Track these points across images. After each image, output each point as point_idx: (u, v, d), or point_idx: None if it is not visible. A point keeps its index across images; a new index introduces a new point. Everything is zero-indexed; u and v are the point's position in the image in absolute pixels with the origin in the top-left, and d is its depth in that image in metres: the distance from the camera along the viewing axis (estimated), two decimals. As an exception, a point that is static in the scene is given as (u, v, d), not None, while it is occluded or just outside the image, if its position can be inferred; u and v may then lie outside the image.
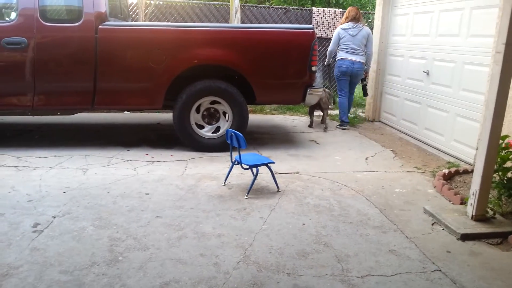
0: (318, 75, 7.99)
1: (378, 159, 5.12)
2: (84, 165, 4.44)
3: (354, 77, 6.63)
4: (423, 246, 3.04)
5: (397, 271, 2.71)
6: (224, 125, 5.14)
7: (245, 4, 8.96)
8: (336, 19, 8.80)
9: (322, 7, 12.36)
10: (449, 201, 3.86)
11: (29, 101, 4.77)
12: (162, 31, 5.03)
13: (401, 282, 2.59)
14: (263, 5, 10.44)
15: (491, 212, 3.42)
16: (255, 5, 10.02)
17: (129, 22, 6.28)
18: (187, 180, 4.13)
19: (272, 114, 7.69)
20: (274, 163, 4.09)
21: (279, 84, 5.21)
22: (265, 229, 3.19)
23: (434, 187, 4.20)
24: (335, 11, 8.97)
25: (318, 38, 7.38)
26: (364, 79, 6.85)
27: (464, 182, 4.25)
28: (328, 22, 8.84)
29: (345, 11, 7.14)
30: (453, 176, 4.42)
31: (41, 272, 2.53)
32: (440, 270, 2.74)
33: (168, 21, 8.13)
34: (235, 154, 3.92)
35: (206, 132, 5.15)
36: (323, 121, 6.76)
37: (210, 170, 4.45)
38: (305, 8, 9.56)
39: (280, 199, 3.76)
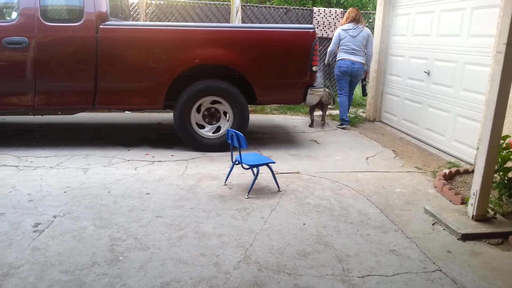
0: (319, 75, 8.01)
1: (379, 159, 5.12)
2: (85, 164, 4.44)
3: (354, 77, 6.67)
4: (424, 246, 3.04)
5: (397, 271, 2.71)
6: (225, 125, 5.14)
7: (245, 4, 8.96)
8: (337, 19, 8.80)
9: (323, 7, 12.36)
10: (450, 201, 3.86)
11: (30, 101, 4.78)
12: (163, 31, 5.03)
13: (401, 282, 2.59)
14: (264, 5, 10.44)
15: (491, 212, 3.41)
16: (255, 5, 10.02)
17: (130, 22, 6.28)
18: (187, 180, 4.13)
19: (273, 114, 7.69)
20: (274, 163, 4.09)
21: (279, 84, 5.21)
22: (266, 229, 3.19)
23: (435, 187, 4.20)
24: (336, 11, 8.97)
25: (318, 38, 7.37)
26: (364, 79, 6.91)
27: (465, 182, 4.25)
28: (329, 22, 8.84)
29: (345, 11, 7.18)
30: (454, 176, 4.42)
31: (41, 271, 2.53)
32: (440, 270, 2.74)
33: (169, 21, 8.13)
34: (235, 154, 3.92)
35: (207, 132, 5.15)
36: (322, 119, 6.83)
37: (211, 170, 4.45)
38: (306, 8, 9.56)
39: (281, 199, 3.76)
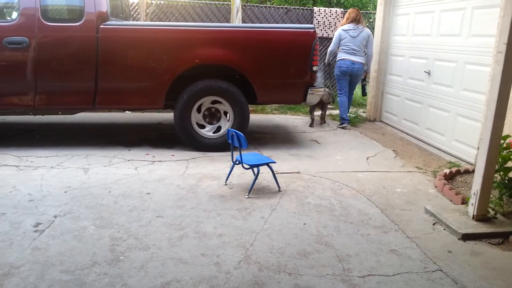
0: (319, 74, 8.02)
1: (379, 159, 5.11)
2: (85, 164, 4.44)
3: (354, 77, 6.70)
4: (424, 246, 3.04)
5: (398, 271, 2.71)
6: (225, 124, 5.14)
7: (246, 4, 8.96)
8: (337, 18, 8.80)
9: (323, 6, 12.36)
10: (450, 201, 3.86)
11: (31, 101, 4.78)
12: (163, 30, 5.03)
13: (402, 282, 2.59)
14: (264, 5, 10.44)
15: (492, 212, 3.41)
16: (256, 4, 10.02)
17: (130, 22, 6.28)
18: (188, 179, 4.13)
19: (273, 114, 7.69)
20: (275, 162, 4.09)
21: (280, 84, 5.21)
22: (266, 228, 3.19)
23: (435, 187, 4.20)
24: (336, 10, 8.96)
25: (319, 38, 7.39)
26: (364, 79, 6.93)
27: (465, 182, 4.25)
28: (329, 22, 8.83)
29: (346, 11, 7.19)
30: (454, 176, 4.41)
31: (42, 271, 2.53)
32: (441, 270, 2.74)
33: (169, 21, 8.13)
34: (236, 154, 3.92)
35: (207, 131, 5.15)
36: (322, 118, 6.90)
37: (211, 169, 4.45)
38: (306, 7, 9.56)
39: (281, 198, 3.76)
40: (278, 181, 3.99)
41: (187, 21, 8.21)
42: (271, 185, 4.04)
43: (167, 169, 4.43)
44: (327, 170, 4.57)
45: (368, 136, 6.23)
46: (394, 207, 3.70)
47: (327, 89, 6.93)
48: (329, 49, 6.93)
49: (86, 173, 4.18)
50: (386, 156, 5.23)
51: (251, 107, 6.17)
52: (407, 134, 6.34)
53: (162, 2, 8.31)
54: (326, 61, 7.27)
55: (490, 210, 3.41)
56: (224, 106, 5.11)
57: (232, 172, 4.08)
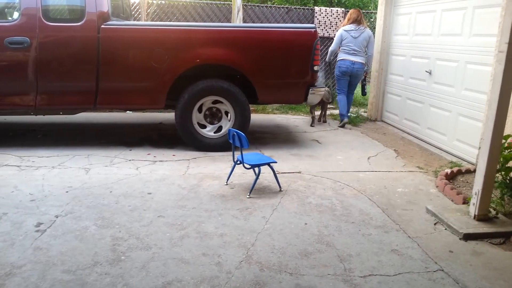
0: (320, 74, 8.02)
1: (381, 158, 5.11)
2: (87, 164, 4.45)
3: (354, 77, 6.74)
4: (426, 245, 3.04)
5: (399, 270, 2.71)
6: (226, 124, 5.14)
7: (247, 4, 8.95)
8: (338, 18, 8.79)
9: (324, 6, 12.35)
10: (452, 200, 3.85)
11: (32, 101, 4.78)
12: (164, 30, 5.03)
13: (403, 282, 2.59)
14: (265, 5, 10.43)
15: (493, 212, 3.41)
16: (257, 4, 10.02)
17: (131, 22, 6.28)
18: (189, 179, 4.14)
19: (274, 113, 7.69)
20: (276, 162, 4.09)
21: (281, 84, 5.21)
22: (267, 228, 3.19)
23: (437, 186, 4.19)
24: (337, 10, 8.95)
25: (320, 37, 7.39)
26: (364, 79, 6.96)
27: (467, 182, 4.24)
28: (330, 22, 8.82)
29: (347, 11, 7.21)
30: (456, 175, 4.41)
31: (44, 271, 2.53)
32: (442, 270, 2.74)
33: (170, 21, 8.13)
34: (237, 154, 3.92)
35: (208, 131, 5.16)
36: (322, 117, 6.98)
37: (212, 169, 4.45)
38: (307, 7, 9.55)
39: (282, 198, 3.76)
40: (279, 181, 3.99)
41: (188, 21, 8.20)
42: (272, 185, 4.04)
43: (168, 169, 4.43)
44: (328, 170, 4.57)
45: (369, 136, 6.22)
46: (395, 207, 3.70)
47: (327, 88, 6.95)
48: (331, 48, 6.98)
49: (88, 173, 4.18)
50: (387, 156, 5.23)
51: (252, 107, 6.17)
52: (408, 133, 6.33)
53: (163, 2, 8.31)
54: (327, 59, 7.32)
55: (491, 210, 3.41)
56: (225, 106, 5.11)
57: (233, 172, 4.08)
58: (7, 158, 4.53)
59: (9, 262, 2.60)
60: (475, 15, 4.91)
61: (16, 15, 4.75)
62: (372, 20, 9.46)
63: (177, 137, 5.23)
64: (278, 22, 8.60)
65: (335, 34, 7.14)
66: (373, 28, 7.54)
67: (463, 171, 4.48)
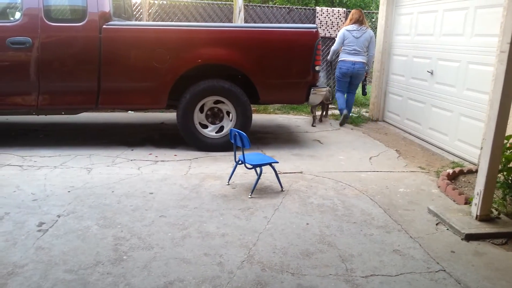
0: (322, 74, 8.02)
1: (382, 158, 5.11)
2: (89, 164, 4.45)
3: (355, 77, 6.77)
4: (428, 246, 3.04)
5: (401, 271, 2.71)
6: (228, 124, 5.15)
7: (248, 4, 8.95)
8: (340, 18, 8.79)
9: (326, 6, 12.35)
10: (454, 201, 3.85)
11: (34, 101, 4.79)
12: (166, 31, 5.04)
13: (405, 282, 2.59)
14: (267, 5, 10.43)
15: (495, 212, 3.41)
16: (258, 4, 10.02)
17: (133, 22, 6.29)
18: (191, 179, 4.14)
19: (276, 113, 7.69)
20: (277, 162, 4.09)
21: (282, 84, 5.21)
22: (269, 228, 3.19)
23: (438, 187, 4.19)
24: (338, 10, 8.95)
25: (321, 37, 7.38)
26: (364, 79, 6.98)
27: (469, 182, 4.24)
28: (332, 22, 8.82)
29: (348, 11, 7.23)
30: (458, 176, 4.41)
31: (46, 271, 2.54)
32: (444, 270, 2.74)
33: (171, 21, 8.13)
34: (238, 154, 3.92)
35: (210, 131, 5.16)
36: (323, 116, 7.06)
37: (214, 169, 4.46)
38: (308, 7, 9.55)
39: (284, 198, 3.76)
40: (281, 181, 3.99)
41: (189, 21, 8.21)
42: (273, 185, 4.04)
43: (170, 169, 4.43)
44: (330, 170, 4.57)
45: (371, 136, 6.22)
46: (397, 207, 3.70)
47: (328, 88, 6.97)
48: (333, 48, 7.03)
49: (89, 173, 4.19)
50: (389, 156, 5.23)
51: (253, 107, 6.18)
52: (410, 134, 6.33)
53: (165, 2, 8.32)
54: (328, 58, 7.35)
55: (493, 210, 3.40)
56: (227, 106, 5.11)
57: (234, 172, 4.08)
58: (9, 158, 4.54)
59: (11, 262, 2.61)
60: (477, 15, 4.91)
61: (18, 15, 4.76)
62: (373, 20, 9.46)
63: (179, 137, 5.24)
64: (279, 22, 8.60)
65: (336, 34, 7.16)
66: (374, 28, 7.54)
67: (465, 171, 4.48)
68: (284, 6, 9.83)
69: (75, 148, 4.96)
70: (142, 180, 4.06)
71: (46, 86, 4.77)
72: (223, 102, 5.11)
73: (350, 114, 7.17)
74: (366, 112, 7.91)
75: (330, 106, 7.40)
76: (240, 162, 3.90)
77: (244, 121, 5.10)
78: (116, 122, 6.60)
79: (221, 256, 2.78)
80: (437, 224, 3.39)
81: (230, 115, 5.16)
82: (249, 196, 3.76)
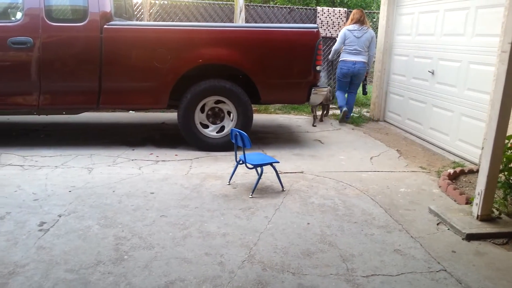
0: (323, 74, 8.03)
1: (383, 158, 5.11)
2: (90, 164, 4.46)
3: (356, 77, 6.80)
4: (428, 246, 3.04)
5: (402, 271, 2.71)
6: (229, 124, 5.15)
7: (249, 4, 8.95)
8: (341, 18, 8.78)
9: (327, 6, 12.34)
10: (455, 201, 3.85)
11: (35, 101, 4.80)
12: (167, 30, 5.04)
13: (406, 282, 2.59)
14: (268, 5, 10.43)
15: (496, 212, 3.40)
16: (259, 4, 10.02)
17: (134, 22, 6.30)
18: (192, 179, 4.14)
19: (277, 113, 7.69)
20: (278, 162, 4.09)
21: (283, 84, 5.21)
22: (270, 228, 3.19)
23: (439, 187, 4.19)
24: (339, 10, 8.95)
25: (322, 37, 7.38)
26: (365, 79, 7.00)
27: (470, 182, 4.24)
28: (333, 22, 8.82)
29: (349, 11, 7.25)
30: (459, 176, 4.40)
31: (47, 270, 2.54)
32: (445, 270, 2.74)
33: (172, 21, 8.14)
34: (239, 154, 3.92)
35: (211, 131, 5.16)
36: (324, 116, 7.08)
37: (215, 169, 4.46)
38: (309, 7, 9.55)
39: (285, 198, 3.76)
40: (282, 180, 3.99)
41: (190, 21, 8.21)
42: (274, 184, 4.04)
43: (170, 168, 4.43)
44: (331, 170, 4.57)
45: (372, 136, 6.22)
46: (398, 207, 3.70)
47: (329, 88, 6.98)
48: (334, 47, 7.06)
49: (90, 173, 4.19)
50: (389, 156, 5.22)
51: (254, 107, 6.18)
52: (411, 134, 6.32)
53: (166, 2, 8.32)
54: (330, 57, 7.37)
55: (494, 210, 3.40)
56: (228, 106, 5.12)
57: (235, 172, 4.08)
58: (10, 157, 4.55)
59: (13, 261, 2.61)
60: (478, 15, 4.90)
61: (19, 15, 4.76)
62: (374, 20, 9.45)
63: (180, 137, 5.24)
64: (280, 22, 8.60)
65: (337, 34, 7.18)
66: (375, 28, 7.54)
67: (466, 171, 4.47)
68: (285, 6, 9.83)
69: (76, 148, 4.97)
70: (143, 180, 4.06)
71: (47, 86, 4.77)
72: (224, 102, 5.11)
73: (351, 114, 7.18)
74: (367, 112, 7.91)
75: (330, 106, 7.40)
76: (241, 162, 3.91)
77: (245, 121, 5.10)
78: (117, 122, 6.61)
79: (222, 256, 2.78)
80: (438, 224, 3.39)
81: (231, 115, 5.16)
82: (250, 196, 3.76)
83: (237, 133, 3.84)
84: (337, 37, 7.27)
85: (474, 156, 4.84)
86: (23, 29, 4.64)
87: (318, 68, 5.15)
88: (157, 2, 8.09)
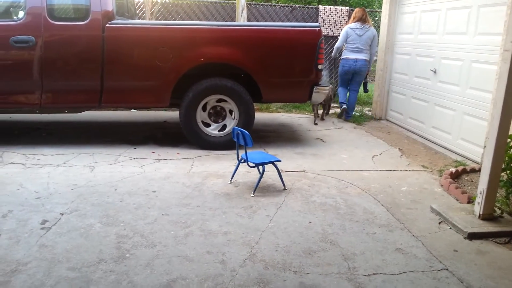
0: (325, 73, 8.04)
1: (385, 157, 5.10)
2: (92, 162, 4.46)
3: (357, 74, 6.86)
4: (430, 244, 3.03)
5: (403, 269, 2.71)
6: (231, 123, 5.15)
7: (251, 2, 8.95)
8: (343, 17, 8.77)
9: (329, 5, 12.33)
10: (456, 200, 3.84)
11: (37, 99, 4.81)
12: (169, 29, 5.04)
13: (407, 281, 2.59)
14: (269, 3, 10.43)
15: (498, 211, 3.40)
16: (261, 3, 10.01)
17: (136, 21, 6.30)
18: (193, 178, 4.14)
19: (278, 112, 7.69)
20: (280, 161, 4.09)
21: (285, 83, 5.21)
22: (272, 227, 3.20)
23: (441, 185, 4.18)
24: (341, 9, 8.94)
25: (324, 36, 7.37)
26: (365, 77, 7.03)
27: (472, 181, 4.23)
28: (335, 20, 8.81)
29: (351, 9, 7.28)
30: (460, 174, 4.40)
31: (49, 268, 2.55)
32: (447, 269, 2.74)
33: (174, 20, 8.14)
34: (241, 152, 3.92)
35: (213, 130, 5.16)
36: (326, 114, 7.12)
37: (217, 168, 4.46)
38: (311, 6, 9.54)
39: (287, 197, 3.76)
40: (284, 179, 3.99)
41: (192, 20, 8.21)
42: (276, 183, 4.04)
43: (172, 167, 4.44)
44: (332, 169, 4.57)
45: (374, 135, 6.21)
46: (400, 205, 3.69)
47: (331, 86, 7.00)
48: (336, 45, 7.15)
49: (92, 171, 4.20)
50: (391, 155, 5.22)
51: (256, 106, 6.17)
52: (413, 132, 6.31)
53: (168, 1, 8.32)
54: (332, 55, 7.49)
55: (496, 209, 3.40)
56: (230, 104, 5.12)
57: (237, 171, 4.09)
58: (13, 156, 4.56)
59: (15, 259, 2.62)
60: (480, 13, 4.89)
61: (21, 14, 4.77)
62: (376, 18, 9.44)
63: (182, 136, 5.24)
64: (282, 21, 8.60)
65: (339, 33, 7.20)
66: (377, 27, 7.54)
67: (468, 170, 4.47)
68: (287, 4, 9.83)
69: (78, 147, 4.98)
70: (145, 179, 4.06)
71: (49, 85, 4.78)
72: (225, 101, 5.11)
73: (353, 113, 7.18)
74: (369, 110, 7.90)
75: (332, 105, 7.40)
76: (242, 160, 3.91)
77: (246, 119, 5.10)
78: (119, 120, 6.61)
79: (223, 254, 2.78)
80: (439, 223, 3.38)
81: (233, 113, 5.16)
82: (252, 195, 3.76)
83: (239, 131, 3.85)
84: (339, 35, 7.27)
85: (476, 155, 4.83)
86: (25, 28, 4.65)
87: (320, 66, 5.15)
88: (159, 1, 8.10)
